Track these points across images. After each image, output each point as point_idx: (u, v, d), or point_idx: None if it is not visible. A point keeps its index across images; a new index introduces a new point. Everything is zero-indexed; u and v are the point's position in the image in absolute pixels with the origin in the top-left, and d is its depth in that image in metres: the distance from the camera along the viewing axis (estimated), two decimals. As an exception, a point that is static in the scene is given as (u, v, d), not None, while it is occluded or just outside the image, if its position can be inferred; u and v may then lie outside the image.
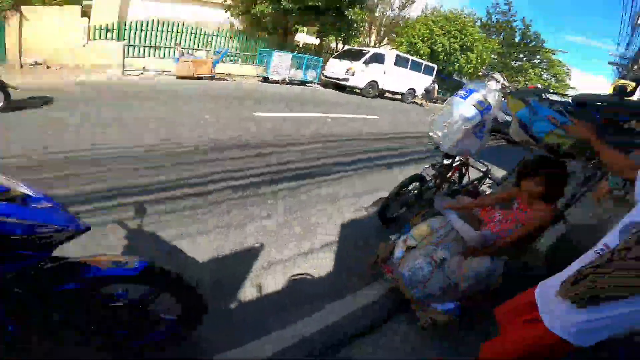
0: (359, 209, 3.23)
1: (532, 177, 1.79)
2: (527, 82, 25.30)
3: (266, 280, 2.10)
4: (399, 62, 12.66)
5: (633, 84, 1.63)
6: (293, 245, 2.49)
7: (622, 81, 1.95)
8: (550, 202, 1.84)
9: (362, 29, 14.68)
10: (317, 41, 15.75)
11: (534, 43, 25.74)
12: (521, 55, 26.52)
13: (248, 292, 1.97)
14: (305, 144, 4.83)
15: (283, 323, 1.79)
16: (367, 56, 11.60)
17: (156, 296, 1.29)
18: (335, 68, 11.85)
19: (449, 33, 18.07)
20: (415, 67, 13.44)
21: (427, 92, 14.14)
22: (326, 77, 12.17)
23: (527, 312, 1.33)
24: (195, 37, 10.78)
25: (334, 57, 12.50)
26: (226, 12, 12.12)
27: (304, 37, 20.96)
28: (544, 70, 26.98)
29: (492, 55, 23.48)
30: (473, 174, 3.18)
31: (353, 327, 1.88)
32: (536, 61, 26.86)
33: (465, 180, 3.04)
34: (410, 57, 13.76)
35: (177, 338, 1.44)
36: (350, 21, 12.45)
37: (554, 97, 1.94)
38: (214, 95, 6.94)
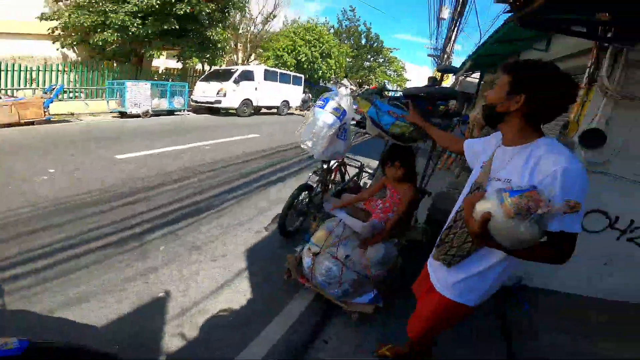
0: (260, 231, 3.19)
1: (391, 165, 2.08)
2: (377, 80, 29.58)
3: (186, 326, 1.94)
4: (269, 76, 13.00)
5: (439, 74, 2.06)
6: (203, 284, 2.33)
7: (437, 72, 2.38)
8: (411, 181, 2.17)
9: (227, 48, 14.43)
10: (179, 65, 14.74)
11: (376, 44, 30.15)
12: (369, 56, 30.67)
13: (171, 344, 1.81)
14: (184, 179, 4.41)
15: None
16: (236, 75, 11.51)
17: None
18: (205, 91, 11.30)
19: (309, 43, 19.72)
20: (285, 79, 14.05)
21: (304, 102, 15.17)
22: (196, 102, 11.42)
23: (426, 282, 1.45)
24: (13, 74, 8.60)
25: (201, 80, 11.90)
26: (54, 43, 10.12)
27: (163, 61, 19.30)
28: (387, 67, 31.88)
29: (347, 59, 26.66)
30: (352, 171, 3.50)
31: (286, 352, 1.85)
32: (380, 60, 31.24)
33: (346, 178, 3.31)
34: (279, 70, 14.34)
35: None
36: (213, 41, 12.08)
37: (398, 93, 2.28)
38: (56, 142, 5.63)
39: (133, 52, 11.41)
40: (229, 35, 14.79)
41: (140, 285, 2.24)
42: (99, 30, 9.54)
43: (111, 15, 9.24)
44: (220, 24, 12.39)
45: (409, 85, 30.27)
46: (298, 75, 15.50)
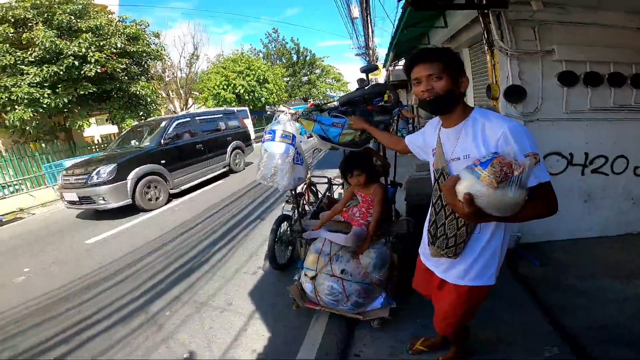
0: (256, 272, 3.20)
1: (351, 175, 2.16)
2: (320, 91, 29.87)
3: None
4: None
5: (363, 74, 2.15)
6: (222, 336, 2.35)
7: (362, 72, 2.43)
8: (376, 180, 2.24)
9: (158, 99, 13.87)
10: (114, 128, 13.83)
11: (309, 57, 30.02)
12: (304, 71, 30.59)
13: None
14: (162, 247, 4.19)
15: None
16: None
17: None
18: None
19: (242, 73, 19.58)
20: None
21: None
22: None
23: (430, 278, 1.41)
24: None
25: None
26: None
27: (96, 129, 18.33)
28: (325, 77, 31.82)
29: (285, 79, 26.79)
30: (323, 187, 3.53)
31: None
32: (318, 72, 31.19)
33: (320, 196, 3.35)
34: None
35: None
36: (140, 97, 11.41)
37: (335, 103, 2.36)
38: (16, 243, 5.09)
39: (58, 126, 10.56)
40: (156, 86, 14.29)
41: (163, 351, 2.26)
42: (8, 109, 8.60)
43: (14, 89, 8.35)
44: (142, 77, 11.84)
45: (350, 87, 30.78)
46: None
